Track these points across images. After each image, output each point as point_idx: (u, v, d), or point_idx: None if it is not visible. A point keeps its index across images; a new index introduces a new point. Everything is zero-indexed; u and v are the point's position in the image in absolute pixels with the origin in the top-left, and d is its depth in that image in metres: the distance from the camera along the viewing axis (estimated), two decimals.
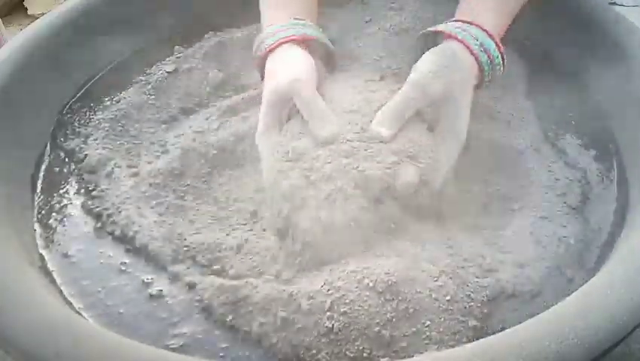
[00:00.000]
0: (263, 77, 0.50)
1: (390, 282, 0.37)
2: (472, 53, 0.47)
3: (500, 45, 0.48)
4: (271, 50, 0.49)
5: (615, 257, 0.38)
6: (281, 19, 0.51)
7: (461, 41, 0.47)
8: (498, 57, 0.48)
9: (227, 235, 0.44)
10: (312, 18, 0.54)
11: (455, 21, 0.49)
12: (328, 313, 0.37)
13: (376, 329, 0.36)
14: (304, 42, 0.50)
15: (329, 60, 0.54)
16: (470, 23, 0.48)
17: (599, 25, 0.55)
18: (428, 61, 0.46)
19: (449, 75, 0.46)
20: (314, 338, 0.37)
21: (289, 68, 0.47)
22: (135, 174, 0.49)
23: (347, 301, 0.37)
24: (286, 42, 0.49)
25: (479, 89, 0.49)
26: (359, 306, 0.37)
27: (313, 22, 0.53)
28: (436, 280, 0.38)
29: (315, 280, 0.39)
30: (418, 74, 0.46)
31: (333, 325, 0.37)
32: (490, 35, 0.48)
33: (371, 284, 0.37)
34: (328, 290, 0.38)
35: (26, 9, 1.03)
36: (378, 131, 0.44)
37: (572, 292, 0.34)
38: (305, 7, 0.54)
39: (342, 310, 0.37)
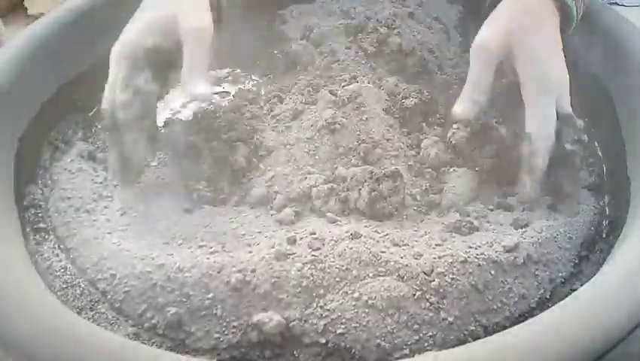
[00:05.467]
0: None
1: (391, 297, 0.37)
2: None
3: None
4: None
5: (614, 257, 0.38)
6: None
7: None
8: None
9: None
10: None
11: None
12: (321, 339, 0.36)
13: (376, 341, 0.36)
14: None
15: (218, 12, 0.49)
16: None
17: (599, 25, 0.55)
18: (485, 22, 0.45)
19: (508, 21, 0.43)
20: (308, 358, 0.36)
21: (192, 8, 0.44)
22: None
23: (343, 321, 0.36)
24: None
25: (569, 29, 0.47)
26: (357, 323, 0.36)
27: None
28: (440, 296, 0.37)
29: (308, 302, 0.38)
30: (476, 38, 0.44)
31: (327, 345, 0.36)
32: None
33: (370, 302, 0.37)
34: (321, 313, 0.37)
35: (26, 9, 1.03)
36: (456, 114, 0.44)
37: (572, 292, 0.35)
38: None
39: (338, 331, 0.36)
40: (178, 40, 0.43)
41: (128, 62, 0.42)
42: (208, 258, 0.40)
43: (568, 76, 0.44)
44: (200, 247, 0.42)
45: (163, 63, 0.44)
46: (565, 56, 0.45)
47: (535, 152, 0.43)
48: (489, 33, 0.44)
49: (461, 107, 0.45)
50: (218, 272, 0.39)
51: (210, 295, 0.38)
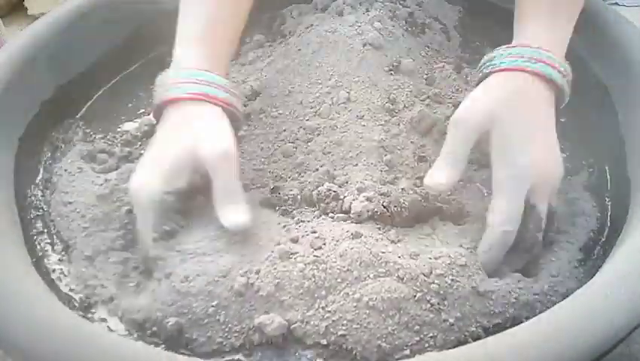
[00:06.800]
0: (155, 117, 0.46)
1: (392, 298, 0.37)
2: (522, 70, 0.42)
3: (557, 54, 0.43)
4: (176, 100, 0.43)
5: (614, 257, 0.38)
6: (196, 59, 0.46)
7: (504, 69, 0.43)
8: (559, 62, 0.43)
9: None
10: (229, 56, 0.51)
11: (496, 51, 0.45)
12: (323, 340, 0.36)
13: (377, 343, 0.36)
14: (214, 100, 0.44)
15: (234, 122, 0.46)
16: (514, 46, 0.44)
17: (599, 25, 0.55)
18: (466, 98, 0.43)
19: (494, 99, 0.42)
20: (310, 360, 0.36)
21: (211, 133, 0.42)
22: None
23: (344, 322, 0.36)
24: (196, 99, 0.43)
25: (562, 103, 0.45)
26: (358, 325, 0.36)
27: (229, 57, 0.51)
28: (440, 297, 0.37)
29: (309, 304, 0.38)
30: (457, 110, 0.42)
31: (328, 347, 0.36)
32: (538, 47, 0.43)
33: (371, 303, 0.37)
34: (323, 315, 0.37)
35: (26, 9, 1.03)
36: (433, 183, 0.41)
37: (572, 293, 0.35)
38: (225, 47, 0.50)
39: (339, 333, 0.36)
40: (205, 172, 0.41)
41: (154, 212, 0.41)
42: (212, 261, 0.40)
43: (555, 165, 0.42)
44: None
45: (190, 196, 0.43)
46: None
47: (490, 244, 0.40)
48: (471, 108, 0.42)
49: (434, 178, 0.41)
50: (224, 276, 0.39)
51: (214, 303, 0.38)
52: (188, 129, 0.42)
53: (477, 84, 0.45)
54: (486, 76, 0.44)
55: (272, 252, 0.39)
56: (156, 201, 0.41)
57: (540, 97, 0.43)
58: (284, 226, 0.43)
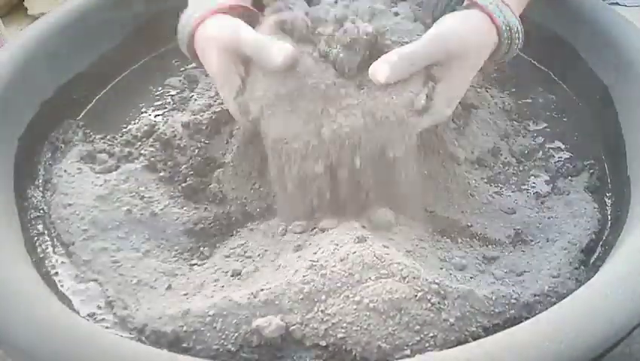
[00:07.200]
0: (193, 57, 0.50)
1: (393, 299, 0.36)
2: (494, 23, 0.45)
3: (521, 24, 0.47)
4: (192, 35, 0.47)
5: (614, 257, 0.38)
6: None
7: (484, 10, 0.45)
8: (518, 34, 0.47)
9: None
10: None
11: None
12: (322, 342, 0.36)
13: (377, 343, 0.36)
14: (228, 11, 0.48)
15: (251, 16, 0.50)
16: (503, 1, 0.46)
17: (599, 25, 0.55)
18: (451, 18, 0.45)
19: (468, 36, 0.45)
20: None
21: (224, 28, 0.46)
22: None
23: (344, 325, 0.36)
24: (210, 15, 0.47)
25: (493, 60, 0.48)
26: (357, 327, 0.36)
27: None
28: (440, 296, 0.37)
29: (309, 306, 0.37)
30: (439, 28, 0.44)
31: (328, 348, 0.36)
32: (514, 14, 0.47)
33: (372, 305, 0.36)
34: (322, 318, 0.37)
35: (26, 9, 1.03)
36: (374, 71, 0.41)
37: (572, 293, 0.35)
38: None
39: (339, 335, 0.36)
40: (243, 54, 0.45)
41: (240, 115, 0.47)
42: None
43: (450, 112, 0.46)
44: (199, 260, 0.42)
45: None
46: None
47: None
48: (454, 34, 0.44)
49: (384, 70, 0.41)
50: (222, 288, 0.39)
51: (211, 313, 0.38)
52: (210, 44, 0.46)
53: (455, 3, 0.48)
54: (469, 6, 0.46)
55: (276, 262, 0.39)
56: (237, 109, 0.46)
57: (489, 56, 0.47)
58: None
